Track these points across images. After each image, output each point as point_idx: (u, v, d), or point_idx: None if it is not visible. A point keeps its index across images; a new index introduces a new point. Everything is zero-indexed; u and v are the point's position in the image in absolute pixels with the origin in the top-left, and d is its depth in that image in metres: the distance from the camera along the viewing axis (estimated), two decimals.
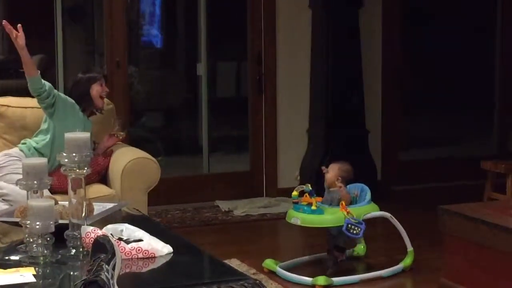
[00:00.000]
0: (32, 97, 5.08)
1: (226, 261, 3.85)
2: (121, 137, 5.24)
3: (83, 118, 4.99)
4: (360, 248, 5.04)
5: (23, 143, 4.94)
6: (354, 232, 4.56)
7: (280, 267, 4.81)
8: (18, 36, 4.64)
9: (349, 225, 4.55)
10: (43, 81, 4.84)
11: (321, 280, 4.57)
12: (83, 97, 5.01)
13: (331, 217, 4.63)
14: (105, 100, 5.44)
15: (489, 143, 7.86)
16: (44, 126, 4.95)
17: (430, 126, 8.03)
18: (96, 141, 5.07)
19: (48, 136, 4.88)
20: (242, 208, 6.46)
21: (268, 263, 4.87)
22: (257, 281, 2.76)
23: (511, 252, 3.82)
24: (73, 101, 4.99)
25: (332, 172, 4.79)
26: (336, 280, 4.62)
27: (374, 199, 4.86)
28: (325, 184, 4.83)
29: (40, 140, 4.91)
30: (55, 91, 4.91)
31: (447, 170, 7.29)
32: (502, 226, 3.90)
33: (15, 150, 4.89)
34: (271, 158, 6.87)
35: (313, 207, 4.63)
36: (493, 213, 4.13)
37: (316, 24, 6.77)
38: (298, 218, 4.67)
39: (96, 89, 5.03)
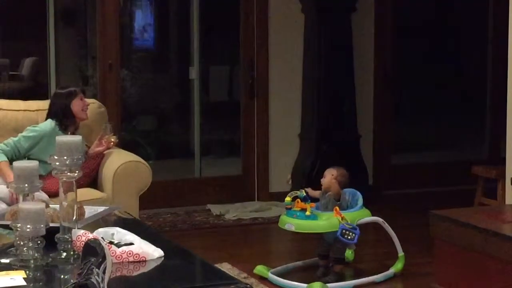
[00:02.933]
0: (24, 99, 5.10)
1: (217, 265, 3.85)
2: (112, 143, 5.21)
3: None
4: (349, 254, 5.02)
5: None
6: (349, 237, 4.55)
7: (272, 273, 4.80)
8: None
9: (344, 231, 4.55)
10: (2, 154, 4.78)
11: (316, 286, 4.55)
12: (65, 114, 4.97)
13: (325, 222, 4.62)
14: (97, 103, 5.46)
15: (480, 148, 7.87)
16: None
17: (422, 131, 8.05)
18: (87, 145, 5.07)
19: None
20: (233, 212, 6.46)
21: (260, 269, 4.85)
22: (248, 285, 2.76)
23: (501, 257, 3.83)
24: (48, 127, 4.90)
25: (328, 175, 4.79)
26: (331, 286, 4.61)
27: (365, 203, 4.86)
28: (322, 189, 4.82)
29: None
30: (18, 142, 4.83)
31: (438, 175, 7.31)
32: (492, 231, 3.91)
33: None
34: (263, 162, 6.87)
35: (308, 213, 4.62)
36: (484, 219, 4.13)
37: (308, 29, 6.78)
38: (292, 224, 4.66)
39: (77, 104, 4.99)
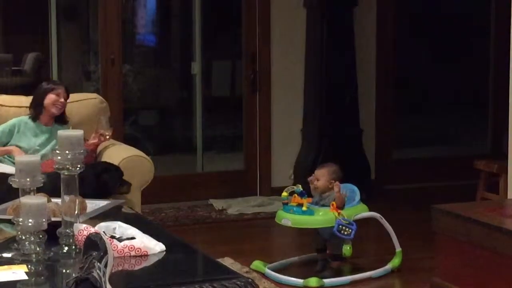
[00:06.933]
0: (26, 95, 5.12)
1: (219, 260, 3.85)
2: (107, 136, 5.18)
3: (38, 128, 5.01)
4: (346, 249, 4.99)
5: None
6: (345, 233, 4.54)
7: (269, 268, 4.79)
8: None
9: (340, 226, 4.53)
10: None
11: (312, 281, 4.55)
12: (36, 105, 5.06)
13: (322, 218, 4.61)
14: (99, 98, 5.45)
15: (482, 143, 7.87)
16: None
17: (424, 125, 8.05)
18: (86, 138, 5.07)
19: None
20: (235, 206, 6.46)
21: (257, 264, 4.85)
22: (250, 280, 2.76)
23: (503, 252, 3.83)
24: (17, 119, 5.04)
25: (322, 178, 4.74)
26: (327, 281, 4.61)
27: (367, 198, 4.85)
28: (315, 192, 4.78)
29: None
30: None
31: (440, 169, 7.30)
32: (494, 225, 3.91)
33: None
34: (265, 157, 6.87)
35: (304, 208, 4.60)
36: (486, 213, 4.14)
37: (310, 23, 6.77)
38: (288, 219, 4.65)
39: (49, 97, 5.05)
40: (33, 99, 5.12)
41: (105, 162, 4.78)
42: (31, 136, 4.98)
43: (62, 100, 5.08)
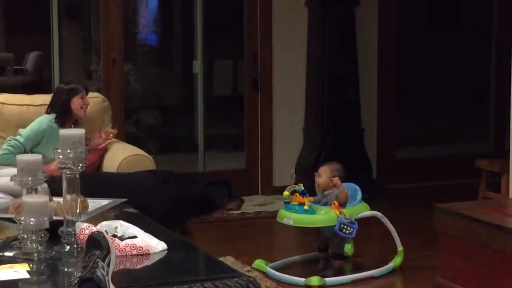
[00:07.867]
0: (28, 93, 5.11)
1: (221, 259, 3.85)
2: (112, 135, 5.21)
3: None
4: (348, 248, 4.99)
5: None
6: (347, 232, 4.54)
7: (271, 267, 4.79)
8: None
9: (342, 225, 4.53)
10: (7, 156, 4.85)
11: (314, 280, 4.55)
12: (64, 110, 5.05)
13: (323, 217, 4.61)
14: (101, 97, 5.46)
15: (485, 142, 7.86)
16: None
17: (426, 125, 8.04)
18: (88, 137, 5.08)
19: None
20: None
21: (258, 263, 4.85)
22: (251, 279, 2.76)
23: (505, 251, 3.83)
24: (43, 125, 4.98)
25: (324, 175, 4.75)
26: (329, 280, 4.61)
27: (369, 197, 4.84)
28: (318, 190, 4.80)
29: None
30: (22, 139, 4.90)
31: (442, 168, 7.30)
32: (496, 224, 3.91)
33: None
34: (266, 156, 6.87)
35: (306, 207, 4.61)
36: (488, 212, 4.14)
37: (312, 23, 6.77)
38: (290, 218, 4.65)
39: (76, 101, 5.04)
40: (56, 104, 5.09)
41: (213, 176, 4.73)
42: (56, 144, 4.93)
43: (88, 102, 5.10)
